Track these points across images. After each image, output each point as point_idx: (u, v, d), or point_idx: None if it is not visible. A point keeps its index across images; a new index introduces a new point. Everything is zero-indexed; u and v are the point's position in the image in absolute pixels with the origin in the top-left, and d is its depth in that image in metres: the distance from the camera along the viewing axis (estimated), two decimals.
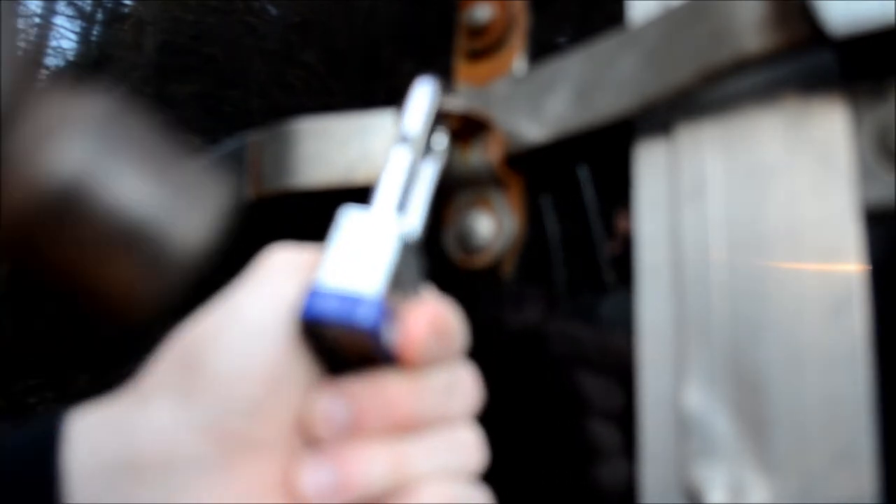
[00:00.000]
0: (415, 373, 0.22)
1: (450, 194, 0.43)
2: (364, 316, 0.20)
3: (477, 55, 0.44)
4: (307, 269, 0.22)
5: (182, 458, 0.19)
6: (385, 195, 0.25)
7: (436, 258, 0.44)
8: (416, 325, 0.22)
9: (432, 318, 0.22)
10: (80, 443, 0.20)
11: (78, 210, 0.11)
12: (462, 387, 0.23)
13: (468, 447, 0.23)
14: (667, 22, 0.34)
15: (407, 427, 0.21)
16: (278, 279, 0.22)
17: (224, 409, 0.20)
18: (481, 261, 0.42)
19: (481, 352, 0.25)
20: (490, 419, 0.25)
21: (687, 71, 0.33)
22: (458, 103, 0.40)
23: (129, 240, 0.12)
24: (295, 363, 0.21)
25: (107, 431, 0.20)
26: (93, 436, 0.20)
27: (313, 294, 0.21)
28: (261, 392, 0.20)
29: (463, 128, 0.41)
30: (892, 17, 0.27)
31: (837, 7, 0.28)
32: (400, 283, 0.22)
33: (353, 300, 0.20)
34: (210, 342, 0.20)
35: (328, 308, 0.20)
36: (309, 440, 0.21)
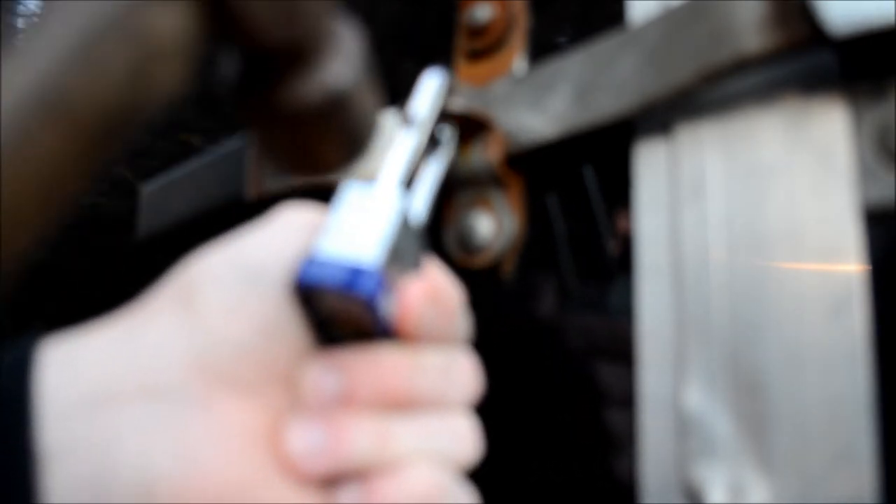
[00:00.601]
0: (412, 347, 0.21)
1: (450, 194, 0.43)
2: (362, 285, 0.20)
3: (477, 55, 0.44)
4: (315, 229, 0.22)
5: (166, 388, 0.19)
6: (388, 172, 0.25)
7: (436, 258, 0.44)
8: (414, 295, 0.21)
9: (431, 290, 0.22)
10: (59, 369, 0.19)
11: (338, 111, 0.17)
12: (460, 372, 0.22)
13: (462, 436, 0.22)
14: (667, 22, 0.34)
15: (400, 403, 0.21)
16: (286, 232, 0.22)
17: (213, 344, 0.19)
18: (481, 261, 0.42)
19: (489, 345, 0.25)
20: (502, 410, 0.24)
21: (687, 71, 0.33)
22: (458, 103, 0.40)
23: (356, 131, 0.18)
24: (289, 316, 0.20)
25: (92, 357, 0.19)
26: (75, 362, 0.19)
27: (310, 261, 0.20)
28: (250, 335, 0.20)
29: (463, 128, 0.40)
30: (892, 17, 0.27)
31: (837, 7, 0.28)
32: (399, 259, 0.22)
33: (351, 269, 0.20)
34: (208, 279, 0.20)
35: (325, 275, 0.20)
36: (298, 406, 0.21)
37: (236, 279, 0.20)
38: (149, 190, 0.61)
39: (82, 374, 0.19)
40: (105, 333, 0.20)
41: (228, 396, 0.19)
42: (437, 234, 0.44)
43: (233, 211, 0.52)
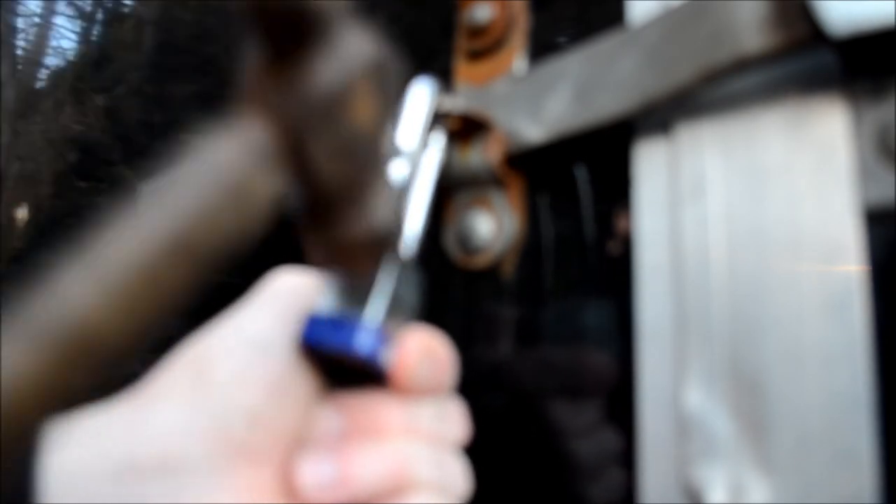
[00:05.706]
0: (407, 397, 0.23)
1: (450, 194, 0.43)
2: (362, 343, 0.21)
3: (477, 55, 0.44)
4: (309, 292, 0.23)
5: (185, 460, 0.20)
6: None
7: (436, 258, 0.44)
8: (409, 352, 0.23)
9: (425, 347, 0.23)
10: (79, 446, 0.20)
11: (377, 241, 0.19)
12: (451, 418, 0.24)
13: (457, 474, 0.24)
14: (667, 22, 0.34)
15: (401, 442, 0.23)
16: (281, 301, 0.23)
17: (226, 415, 0.21)
18: (481, 261, 0.42)
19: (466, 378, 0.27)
20: (475, 446, 0.26)
21: (687, 71, 0.33)
22: (458, 103, 0.40)
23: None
24: (295, 379, 0.22)
25: (110, 433, 0.20)
26: (95, 438, 0.20)
27: (312, 320, 0.22)
28: (261, 402, 0.21)
29: (463, 128, 0.40)
30: (892, 17, 0.27)
31: (837, 7, 0.28)
32: (397, 303, 0.23)
33: (351, 327, 0.21)
34: (217, 353, 0.22)
35: (327, 334, 0.21)
36: (309, 447, 0.22)
37: (244, 349, 0.22)
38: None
39: (102, 450, 0.20)
40: (120, 409, 0.21)
41: (243, 462, 0.21)
42: (437, 235, 0.44)
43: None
